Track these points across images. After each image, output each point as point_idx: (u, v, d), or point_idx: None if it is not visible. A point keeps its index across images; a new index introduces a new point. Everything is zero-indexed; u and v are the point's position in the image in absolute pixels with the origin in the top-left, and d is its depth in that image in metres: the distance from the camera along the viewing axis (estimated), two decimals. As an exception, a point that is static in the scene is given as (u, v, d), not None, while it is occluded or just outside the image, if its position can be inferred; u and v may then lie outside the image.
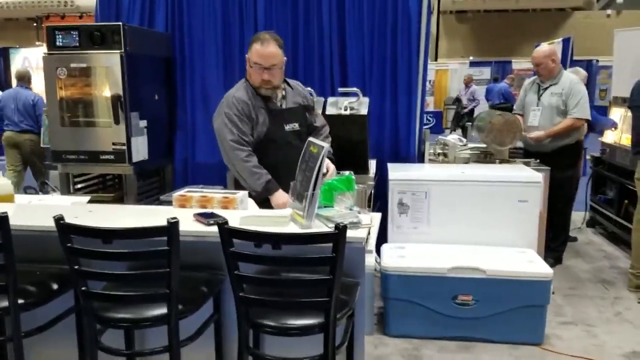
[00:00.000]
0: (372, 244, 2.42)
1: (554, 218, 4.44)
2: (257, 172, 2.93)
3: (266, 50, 2.92)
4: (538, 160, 4.42)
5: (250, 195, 2.87)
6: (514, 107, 5.08)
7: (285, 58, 3.04)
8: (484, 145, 4.59)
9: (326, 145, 2.29)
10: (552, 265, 4.63)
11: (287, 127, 3.08)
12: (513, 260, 3.48)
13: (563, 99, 4.46)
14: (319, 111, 3.70)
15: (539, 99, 4.61)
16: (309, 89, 3.91)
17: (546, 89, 4.58)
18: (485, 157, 4.51)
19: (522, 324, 3.35)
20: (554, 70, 4.54)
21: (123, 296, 2.19)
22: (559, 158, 4.47)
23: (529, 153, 4.68)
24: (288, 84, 3.17)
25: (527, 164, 4.29)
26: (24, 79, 7.28)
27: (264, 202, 2.93)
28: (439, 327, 3.40)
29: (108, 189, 4.59)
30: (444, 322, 3.39)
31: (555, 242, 4.64)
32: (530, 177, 3.78)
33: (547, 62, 4.51)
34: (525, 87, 4.88)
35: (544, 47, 4.69)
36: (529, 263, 3.46)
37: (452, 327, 3.39)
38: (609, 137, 5.75)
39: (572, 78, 4.61)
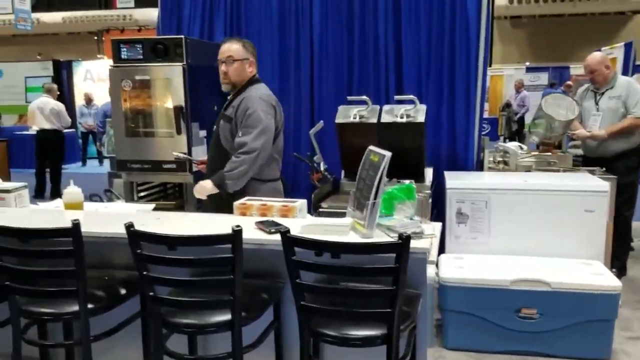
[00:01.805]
0: (433, 255, 2.38)
1: (615, 225, 4.24)
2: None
3: (224, 46, 3.17)
4: (604, 169, 4.26)
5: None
6: None
7: (249, 59, 3.17)
8: (548, 154, 4.48)
9: (388, 153, 2.28)
10: (617, 276, 4.45)
11: (215, 128, 3.29)
12: (579, 273, 3.35)
13: (623, 100, 4.39)
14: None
15: (596, 104, 4.53)
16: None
17: (603, 93, 4.51)
18: (548, 164, 4.37)
19: (588, 339, 3.22)
20: (609, 75, 4.48)
21: (188, 302, 2.23)
22: (619, 163, 4.37)
23: (589, 159, 4.58)
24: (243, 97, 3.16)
25: (592, 172, 4.13)
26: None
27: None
28: (500, 340, 3.30)
29: (169, 197, 4.70)
30: (506, 336, 3.29)
31: (617, 249, 4.45)
32: (597, 186, 3.64)
33: (601, 69, 4.45)
34: (579, 94, 4.80)
35: (596, 55, 4.64)
36: (596, 275, 3.32)
37: (514, 341, 3.29)
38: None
39: (628, 79, 4.56)
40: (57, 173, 8.82)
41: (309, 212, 3.67)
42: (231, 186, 3.01)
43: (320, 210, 3.78)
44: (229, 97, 3.27)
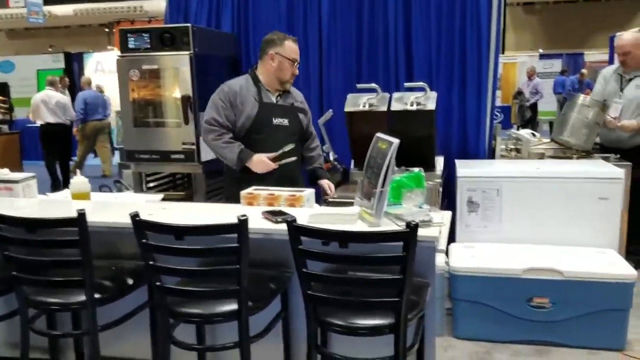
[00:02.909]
0: (442, 244, 2.34)
1: (635, 220, 4.05)
2: (228, 145, 3.14)
3: (297, 47, 3.26)
4: (618, 155, 4.16)
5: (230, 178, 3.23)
6: (592, 96, 4.75)
7: None
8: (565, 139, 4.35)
9: (396, 140, 2.23)
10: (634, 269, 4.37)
11: (275, 121, 3.23)
12: (593, 261, 3.30)
13: None
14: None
15: (621, 90, 4.28)
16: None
17: (630, 80, 4.25)
18: (563, 152, 4.26)
19: (602, 329, 3.17)
20: None
21: (195, 292, 2.22)
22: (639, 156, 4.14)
23: (607, 149, 4.38)
24: None
25: (606, 159, 4.05)
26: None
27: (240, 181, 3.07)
28: (511, 330, 3.26)
29: (178, 188, 4.70)
30: (518, 325, 3.25)
31: (635, 245, 4.33)
32: (611, 173, 3.57)
33: (636, 52, 4.12)
34: (604, 75, 4.51)
35: (631, 34, 4.23)
36: (611, 264, 3.26)
37: (526, 331, 3.25)
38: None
39: None
40: (67, 166, 8.77)
41: (318, 202, 3.65)
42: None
43: (330, 200, 3.75)
44: (287, 87, 3.31)
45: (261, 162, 3.09)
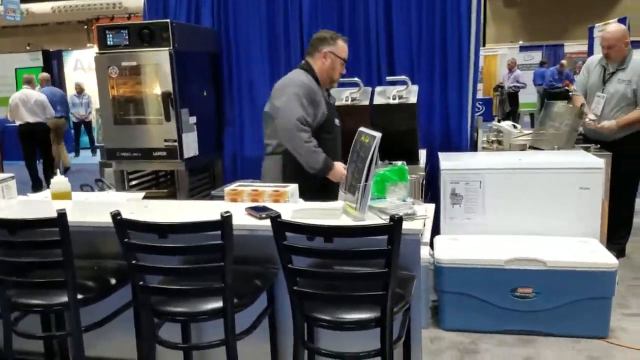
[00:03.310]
0: (427, 236, 2.35)
1: (617, 210, 4.11)
2: (316, 150, 3.02)
3: (347, 46, 3.27)
4: (598, 146, 4.20)
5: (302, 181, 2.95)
6: (574, 88, 4.73)
7: None
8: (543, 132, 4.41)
9: (379, 134, 2.23)
10: (616, 258, 4.42)
11: (336, 121, 3.26)
12: (575, 251, 3.33)
13: (633, 88, 4.09)
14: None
15: (603, 84, 4.26)
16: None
17: (612, 74, 4.22)
18: (544, 144, 4.29)
19: (586, 317, 3.21)
20: (624, 53, 4.15)
21: (179, 290, 2.20)
22: (625, 147, 4.14)
23: (590, 141, 4.36)
24: None
25: (586, 149, 4.09)
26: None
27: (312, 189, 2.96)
28: (497, 320, 3.29)
29: (161, 185, 4.66)
30: (502, 316, 3.27)
31: (617, 234, 4.37)
32: (592, 163, 3.60)
33: (620, 46, 4.11)
34: (587, 66, 4.48)
35: (616, 28, 4.23)
36: (593, 253, 3.30)
37: (511, 321, 3.28)
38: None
39: None
40: (50, 165, 8.61)
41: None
42: None
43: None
44: (334, 87, 3.42)
45: (341, 171, 3.01)
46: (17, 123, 8.46)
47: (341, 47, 3.21)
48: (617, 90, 4.17)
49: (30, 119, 8.29)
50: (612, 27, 4.26)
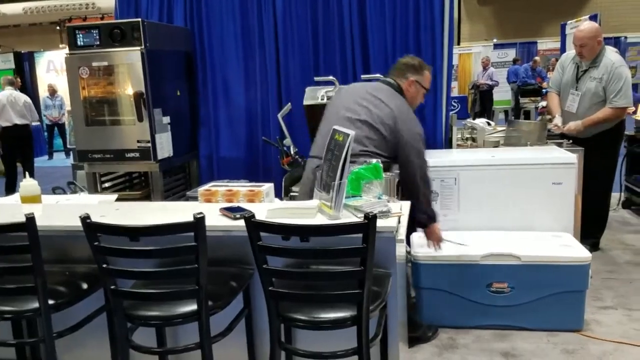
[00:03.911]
0: (402, 233, 2.35)
1: (591, 205, 4.14)
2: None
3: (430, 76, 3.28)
4: (571, 141, 4.25)
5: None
6: (550, 84, 4.74)
7: None
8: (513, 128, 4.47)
9: (352, 132, 2.22)
10: (590, 252, 4.48)
11: None
12: (549, 245, 3.37)
13: (603, 85, 4.12)
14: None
15: (577, 81, 4.29)
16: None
17: (585, 71, 4.24)
18: (518, 139, 4.32)
19: (560, 311, 3.25)
20: (597, 51, 4.17)
21: (152, 294, 2.17)
22: (598, 144, 4.17)
23: (565, 137, 4.38)
24: None
25: (559, 145, 4.14)
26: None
27: None
28: (474, 316, 3.31)
29: (135, 187, 4.60)
30: (479, 311, 3.30)
31: (592, 229, 4.41)
32: (564, 158, 3.65)
33: (592, 44, 4.13)
34: (562, 62, 4.50)
35: (588, 26, 4.22)
36: (566, 247, 3.34)
37: (487, 316, 3.30)
38: (643, 114, 5.55)
39: (614, 60, 4.13)
40: (32, 168, 8.32)
41: (280, 196, 3.62)
42: None
43: (292, 194, 3.73)
44: None
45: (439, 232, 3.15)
46: (3, 125, 8.13)
47: (427, 77, 3.17)
48: (589, 88, 4.20)
49: (18, 121, 8.05)
50: (584, 25, 4.28)
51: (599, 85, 4.14)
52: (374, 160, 2.52)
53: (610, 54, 4.25)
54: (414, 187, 2.96)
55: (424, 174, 2.99)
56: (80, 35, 4.01)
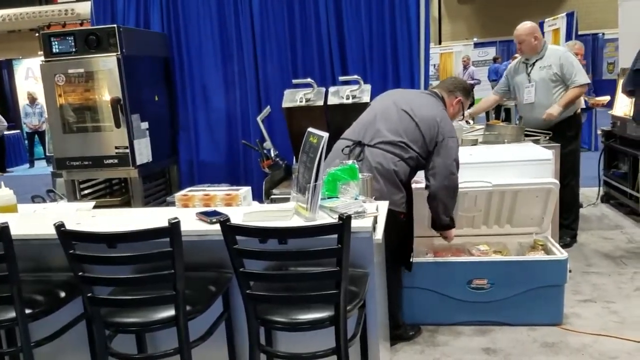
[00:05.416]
0: (379, 233, 2.37)
1: (562, 194, 4.17)
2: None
3: None
4: (547, 138, 4.31)
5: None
6: (494, 90, 5.00)
7: None
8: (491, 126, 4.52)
9: (326, 134, 2.24)
10: (569, 244, 4.54)
11: None
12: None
13: (555, 71, 4.40)
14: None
15: (528, 75, 4.54)
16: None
17: (533, 64, 4.52)
18: (496, 137, 4.36)
19: (540, 305, 3.28)
20: (537, 46, 4.48)
21: (129, 300, 2.16)
22: (560, 132, 4.34)
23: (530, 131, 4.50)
24: None
25: (536, 142, 4.19)
26: None
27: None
28: (454, 312, 3.34)
29: (115, 194, 4.57)
30: (460, 308, 3.33)
31: (567, 218, 4.51)
32: (540, 155, 3.69)
33: (529, 40, 4.46)
34: (509, 70, 4.83)
35: (526, 25, 4.58)
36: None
37: (467, 312, 3.33)
38: (619, 109, 5.63)
39: (558, 49, 4.57)
40: None
41: (261, 199, 3.62)
42: None
43: (273, 197, 3.74)
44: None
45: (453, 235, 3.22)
46: None
47: (468, 103, 3.36)
48: (541, 77, 4.48)
49: None
50: (522, 24, 4.61)
51: (549, 71, 4.44)
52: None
53: (553, 46, 4.70)
54: (440, 192, 3.04)
55: (455, 192, 3.11)
56: (56, 42, 3.98)
